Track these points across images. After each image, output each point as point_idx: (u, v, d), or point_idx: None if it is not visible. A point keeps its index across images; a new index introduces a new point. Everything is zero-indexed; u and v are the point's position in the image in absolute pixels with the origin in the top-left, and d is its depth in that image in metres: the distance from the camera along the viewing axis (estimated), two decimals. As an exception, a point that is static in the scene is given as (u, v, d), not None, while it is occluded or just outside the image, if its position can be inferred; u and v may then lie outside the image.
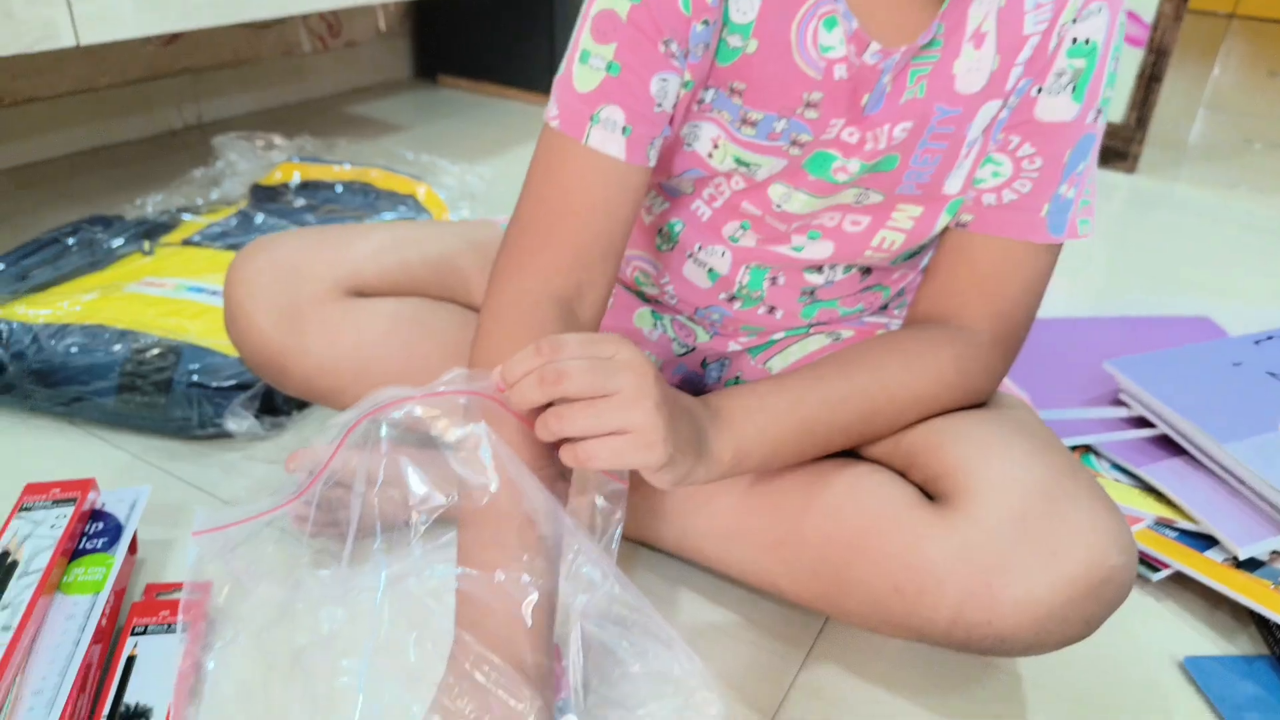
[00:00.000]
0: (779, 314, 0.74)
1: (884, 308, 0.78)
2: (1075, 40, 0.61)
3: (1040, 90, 0.62)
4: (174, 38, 1.81)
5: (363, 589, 0.63)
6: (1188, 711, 0.68)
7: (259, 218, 1.24)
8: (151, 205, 1.32)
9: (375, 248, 0.80)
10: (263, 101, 2.06)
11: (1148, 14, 1.85)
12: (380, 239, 0.81)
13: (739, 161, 0.65)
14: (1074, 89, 0.62)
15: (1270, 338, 1.03)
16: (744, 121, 0.64)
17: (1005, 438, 0.62)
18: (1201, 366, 0.97)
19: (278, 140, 1.55)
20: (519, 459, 0.55)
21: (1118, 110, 1.93)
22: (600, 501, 0.62)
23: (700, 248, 0.72)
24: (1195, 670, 0.71)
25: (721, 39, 0.61)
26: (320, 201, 1.34)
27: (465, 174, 1.57)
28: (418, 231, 0.86)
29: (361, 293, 0.77)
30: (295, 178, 1.40)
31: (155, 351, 0.91)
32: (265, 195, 1.37)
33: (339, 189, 1.38)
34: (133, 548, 0.74)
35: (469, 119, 2.09)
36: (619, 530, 0.61)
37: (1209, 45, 3.60)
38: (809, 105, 0.62)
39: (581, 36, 0.60)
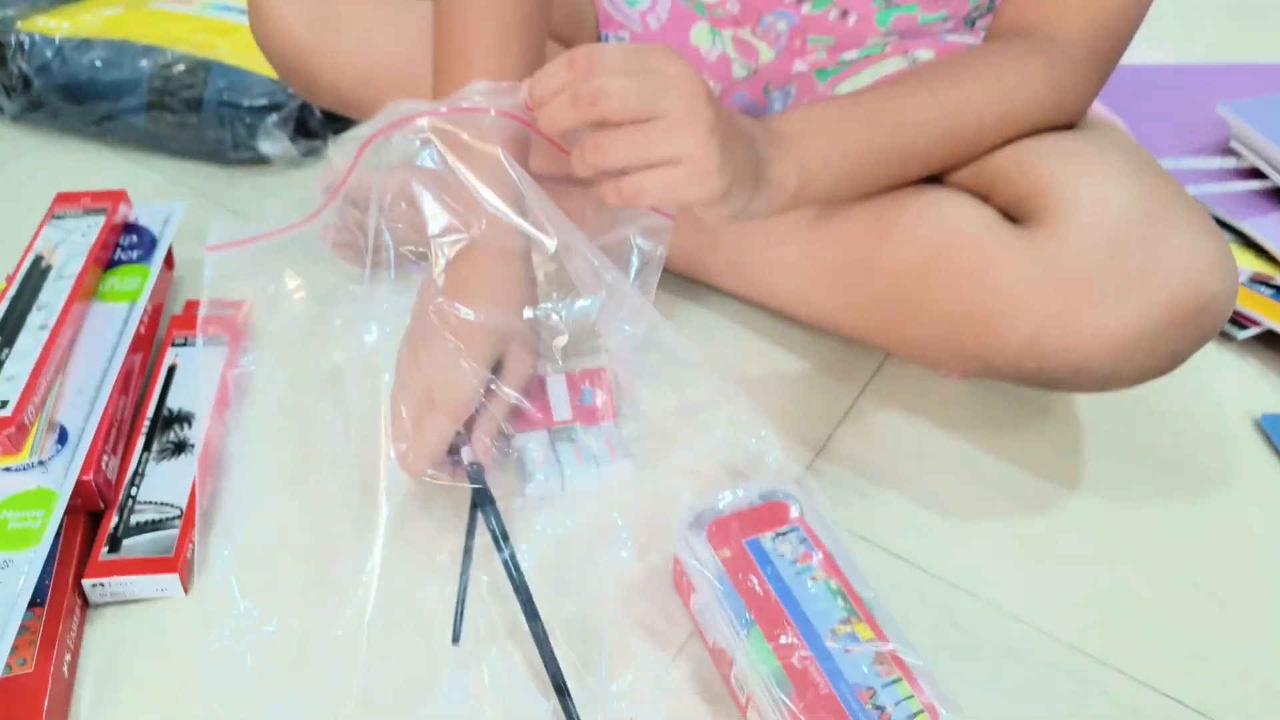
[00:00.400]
0: (852, 19, 0.66)
1: (970, 23, 0.69)
2: None
3: None
4: None
5: (392, 309, 0.60)
6: (1257, 467, 0.65)
7: (289, -66, 1.14)
8: (176, -79, 1.22)
9: (412, -56, 0.73)
10: None
11: None
12: (417, -64, 0.74)
13: None
14: None
15: None
16: None
17: (1100, 155, 0.55)
18: (1329, 112, 0.86)
19: None
20: (539, 188, 0.51)
21: None
22: (639, 239, 0.57)
23: (767, -61, 0.63)
24: (1271, 427, 0.67)
25: None
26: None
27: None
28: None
29: (398, -8, 0.71)
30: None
31: (182, 68, 0.86)
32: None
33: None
34: (169, 263, 0.73)
35: None
36: (659, 268, 0.57)
37: None
38: None
39: None
